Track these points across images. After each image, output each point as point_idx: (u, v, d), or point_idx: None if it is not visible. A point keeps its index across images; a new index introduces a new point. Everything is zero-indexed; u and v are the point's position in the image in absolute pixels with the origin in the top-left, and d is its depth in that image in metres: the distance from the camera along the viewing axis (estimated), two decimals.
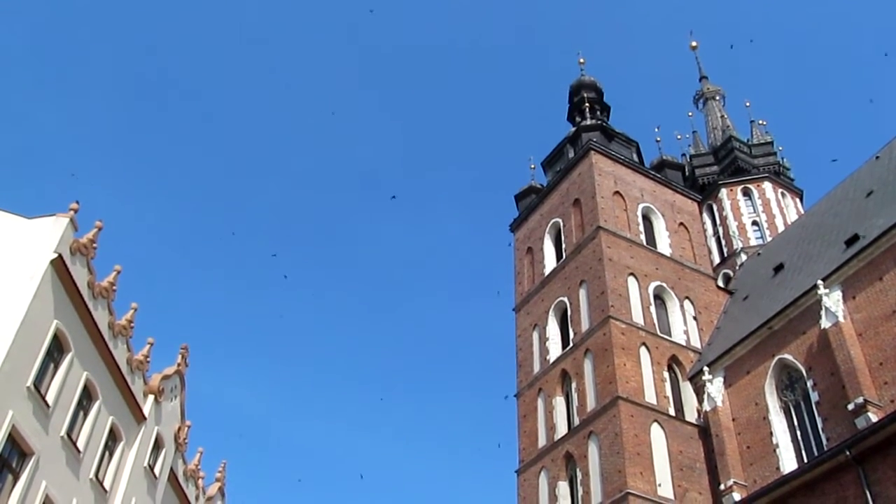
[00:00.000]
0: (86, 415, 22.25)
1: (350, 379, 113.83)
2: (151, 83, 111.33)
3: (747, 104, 66.37)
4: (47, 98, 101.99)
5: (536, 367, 39.97)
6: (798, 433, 30.38)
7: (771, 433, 30.95)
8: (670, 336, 37.42)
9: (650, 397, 34.13)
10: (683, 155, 60.08)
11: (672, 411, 34.43)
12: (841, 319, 28.76)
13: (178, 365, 28.69)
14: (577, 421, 35.20)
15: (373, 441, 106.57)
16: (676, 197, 45.53)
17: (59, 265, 20.49)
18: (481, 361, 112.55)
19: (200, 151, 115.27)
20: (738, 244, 53.11)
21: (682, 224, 43.89)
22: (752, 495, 24.87)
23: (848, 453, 21.25)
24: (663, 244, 41.90)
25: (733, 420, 32.77)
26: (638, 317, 36.89)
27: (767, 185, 56.42)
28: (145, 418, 25.48)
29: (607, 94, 53.34)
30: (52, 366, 20.50)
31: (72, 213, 21.40)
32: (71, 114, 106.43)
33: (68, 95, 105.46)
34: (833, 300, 29.46)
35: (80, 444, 21.72)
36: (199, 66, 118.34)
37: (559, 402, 37.34)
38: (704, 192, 56.62)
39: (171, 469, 27.94)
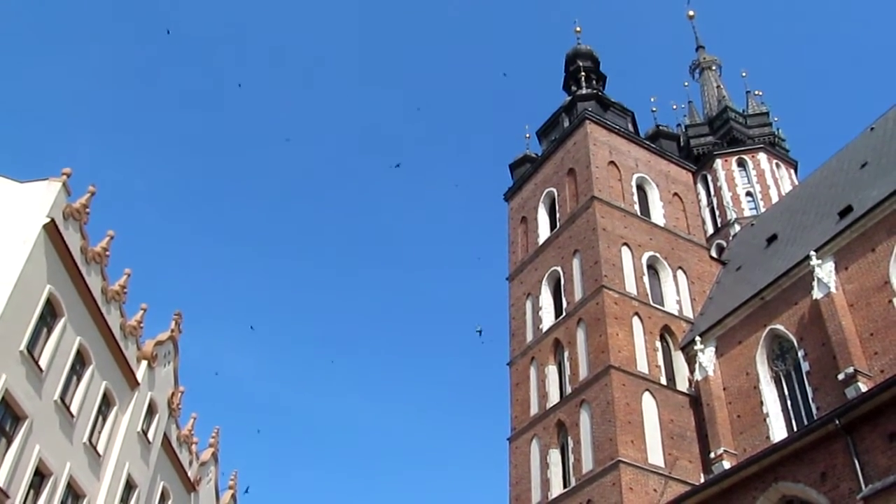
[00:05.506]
0: (79, 380, 22.31)
1: (343, 344, 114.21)
2: (145, 47, 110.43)
3: (744, 74, 66.16)
4: (41, 61, 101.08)
5: (529, 336, 40.08)
6: (788, 402, 30.61)
7: (761, 402, 31.17)
8: (663, 306, 37.54)
9: (642, 367, 34.31)
10: (679, 125, 60.03)
11: (664, 380, 34.64)
12: (833, 290, 28.85)
13: (172, 331, 28.72)
14: (569, 389, 35.38)
15: (367, 406, 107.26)
16: (671, 167, 45.43)
17: (51, 230, 20.45)
18: (474, 330, 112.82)
19: (194, 116, 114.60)
20: (731, 215, 53.19)
21: (676, 194, 43.87)
22: (742, 463, 25.04)
23: (837, 422, 21.32)
24: (657, 214, 41.89)
25: (724, 389, 32.96)
26: (631, 287, 36.98)
27: (762, 156, 56.41)
28: (139, 384, 25.52)
29: (603, 64, 52.97)
30: (45, 330, 20.53)
31: (65, 177, 21.33)
32: (65, 78, 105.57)
33: (62, 59, 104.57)
34: (825, 271, 29.53)
35: (74, 408, 21.78)
36: (194, 26, 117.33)
37: (551, 370, 37.50)
38: (699, 163, 56.58)
39: (165, 434, 28.05)
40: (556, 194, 43.70)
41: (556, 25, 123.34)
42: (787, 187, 53.69)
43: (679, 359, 35.93)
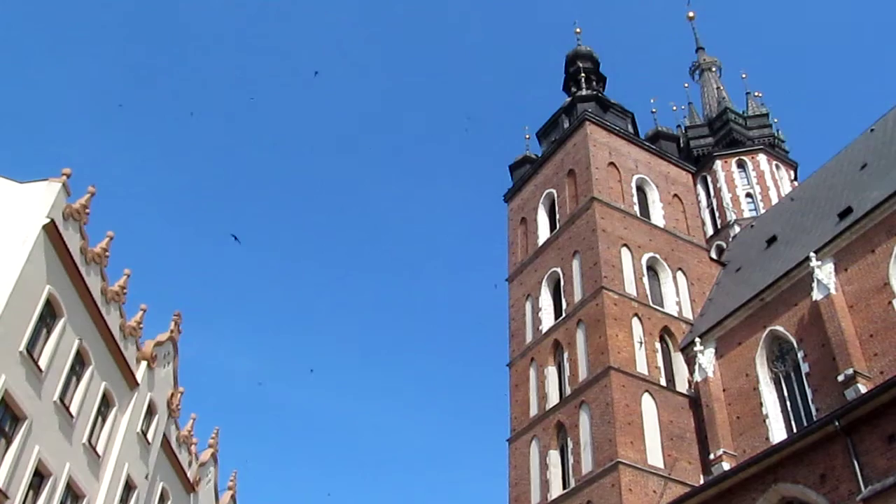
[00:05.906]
0: (78, 380, 22.28)
1: (342, 344, 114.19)
2: (144, 46, 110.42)
3: (743, 76, 66.06)
4: (41, 61, 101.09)
5: (529, 337, 40.07)
6: (788, 404, 30.61)
7: (761, 404, 31.16)
8: (662, 307, 37.54)
9: (641, 368, 34.31)
10: (678, 126, 59.95)
11: (663, 382, 34.64)
12: (832, 291, 28.85)
13: (171, 331, 28.70)
14: (568, 391, 35.36)
15: (367, 407, 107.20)
16: (671, 168, 45.44)
17: (51, 230, 20.43)
18: (474, 331, 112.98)
19: (193, 116, 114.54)
20: (731, 216, 53.15)
21: (676, 195, 43.88)
22: (741, 465, 25.02)
23: (836, 424, 21.29)
24: (657, 215, 41.90)
25: (724, 391, 32.95)
26: (630, 288, 36.98)
27: (762, 158, 56.35)
28: (138, 384, 25.51)
29: (603, 65, 53.10)
30: (44, 331, 20.51)
31: (64, 178, 21.31)
32: (65, 78, 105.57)
33: (62, 59, 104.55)
34: (825, 272, 29.52)
35: (73, 409, 21.77)
36: (188, 25, 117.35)
37: (551, 371, 37.49)
38: (699, 164, 56.55)
39: (164, 435, 28.02)
40: (555, 195, 43.70)
41: (556, 26, 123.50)
42: (786, 188, 53.66)
43: (679, 360, 35.94)
